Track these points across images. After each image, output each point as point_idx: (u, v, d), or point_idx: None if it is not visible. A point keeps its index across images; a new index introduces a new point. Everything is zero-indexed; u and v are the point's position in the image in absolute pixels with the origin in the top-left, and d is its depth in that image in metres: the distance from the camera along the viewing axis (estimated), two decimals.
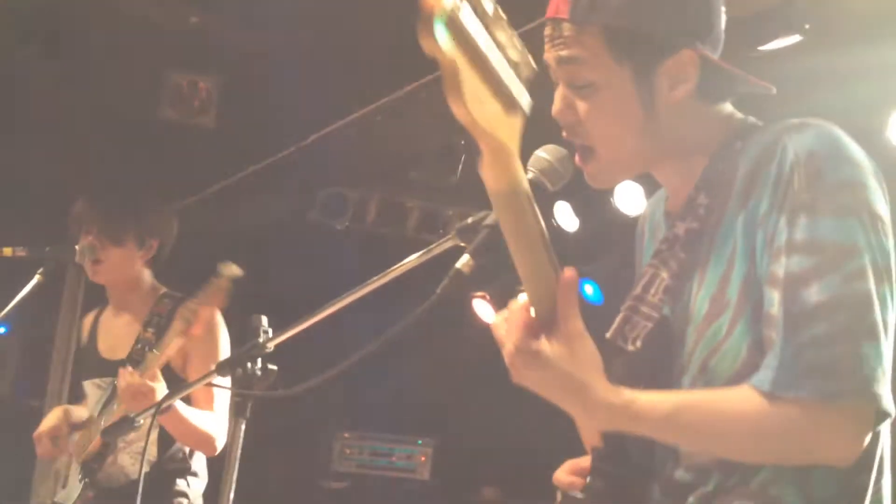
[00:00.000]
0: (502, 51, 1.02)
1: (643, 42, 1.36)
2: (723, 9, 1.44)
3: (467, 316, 5.87)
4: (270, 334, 1.84)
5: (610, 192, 4.40)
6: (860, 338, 1.21)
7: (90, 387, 3.03)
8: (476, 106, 1.01)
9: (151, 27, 4.11)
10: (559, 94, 1.43)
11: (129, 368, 2.65)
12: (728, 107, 1.45)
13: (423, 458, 6.28)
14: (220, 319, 2.97)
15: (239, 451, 1.83)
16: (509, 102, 1.05)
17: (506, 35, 1.04)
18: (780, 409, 1.21)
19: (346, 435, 6.33)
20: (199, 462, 2.96)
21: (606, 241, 4.79)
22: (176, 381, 2.86)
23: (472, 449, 6.12)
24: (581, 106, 1.40)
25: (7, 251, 2.80)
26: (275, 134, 4.84)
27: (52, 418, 2.99)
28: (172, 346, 2.67)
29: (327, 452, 6.33)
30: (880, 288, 1.24)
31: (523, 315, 1.25)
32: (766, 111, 1.46)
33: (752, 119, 1.44)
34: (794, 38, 3.29)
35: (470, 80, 0.99)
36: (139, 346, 2.94)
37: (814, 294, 1.21)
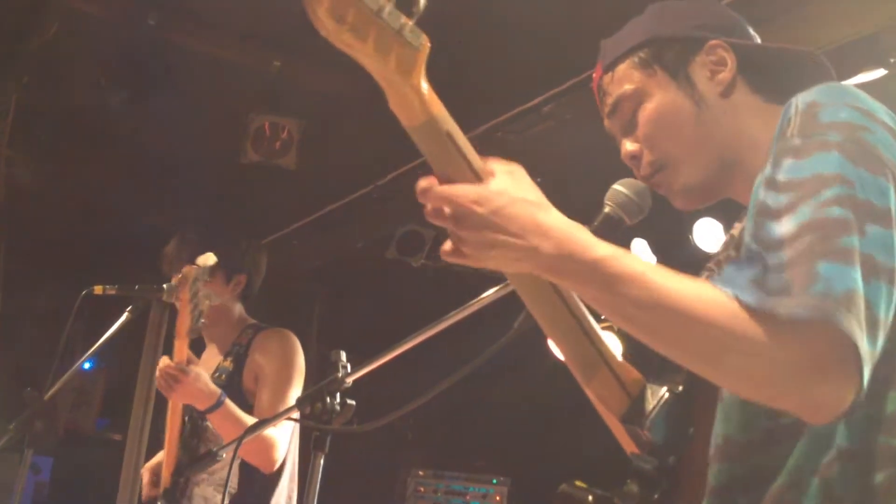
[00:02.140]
0: None
1: (666, 47, 1.43)
2: (746, 25, 1.49)
3: (543, 352, 5.84)
4: (349, 369, 1.87)
5: (688, 228, 4.35)
6: (819, 256, 1.05)
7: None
8: (344, 29, 1.01)
9: (235, 71, 4.24)
10: (622, 143, 1.46)
11: (165, 357, 2.64)
12: None
13: (497, 498, 6.22)
14: (294, 346, 3.00)
15: (318, 486, 1.85)
16: (394, 34, 1.03)
17: None
18: (729, 304, 1.06)
19: (421, 473, 6.32)
20: (280, 495, 2.99)
21: None
22: (244, 404, 2.89)
23: (547, 488, 6.04)
24: (638, 129, 1.44)
25: (98, 289, 2.89)
26: (353, 173, 4.93)
27: (159, 456, 3.03)
28: (192, 310, 2.62)
29: (402, 490, 6.32)
30: (863, 222, 1.08)
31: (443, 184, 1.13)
32: None
33: None
34: (880, 72, 3.23)
35: (333, 3, 1.00)
36: (216, 373, 3.00)
37: (782, 225, 1.09)
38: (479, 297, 1.73)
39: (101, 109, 4.36)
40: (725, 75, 1.41)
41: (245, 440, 2.65)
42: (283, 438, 2.82)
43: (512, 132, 3.99)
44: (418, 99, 1.09)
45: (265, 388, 2.91)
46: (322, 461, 1.86)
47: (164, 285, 2.98)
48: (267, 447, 2.78)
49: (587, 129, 3.77)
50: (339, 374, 1.84)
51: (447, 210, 1.13)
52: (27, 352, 5.61)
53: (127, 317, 2.92)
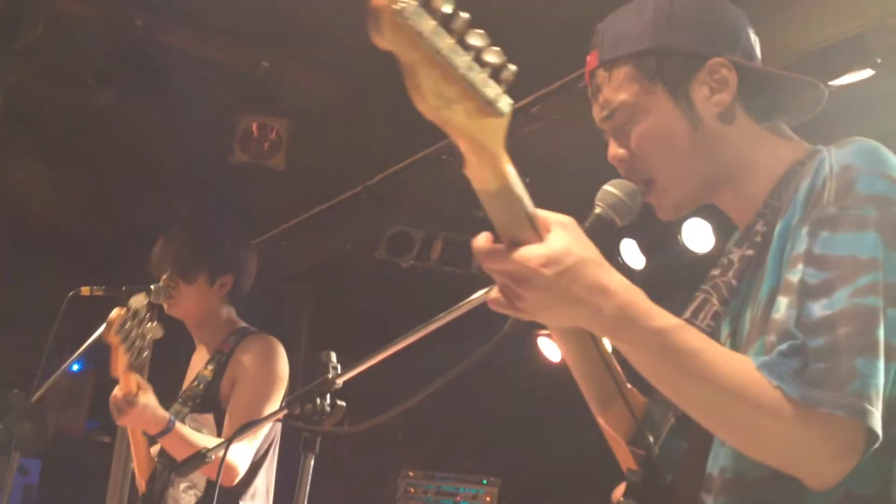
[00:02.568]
0: (470, 52, 1.00)
1: (669, 60, 1.40)
2: (751, 30, 1.47)
3: (533, 353, 5.84)
4: (339, 370, 1.86)
5: (677, 229, 4.36)
6: (857, 352, 1.14)
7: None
8: (441, 103, 0.99)
9: (223, 71, 4.23)
10: (610, 142, 1.46)
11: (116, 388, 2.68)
12: (792, 135, 1.45)
13: (487, 498, 6.23)
14: (276, 352, 2.98)
15: (308, 487, 1.85)
16: (484, 102, 1.02)
17: (478, 38, 1.01)
18: (772, 392, 1.14)
19: (411, 473, 6.32)
20: (258, 489, 2.97)
21: (674, 279, 4.74)
22: (222, 412, 2.89)
23: (537, 489, 6.05)
24: (630, 141, 1.43)
25: (85, 290, 2.89)
26: (342, 174, 4.92)
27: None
28: (128, 349, 2.64)
29: (392, 491, 6.32)
30: (887, 307, 1.16)
31: (498, 246, 1.12)
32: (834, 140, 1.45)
33: (819, 147, 1.41)
34: (867, 73, 3.24)
35: (431, 77, 0.97)
36: (195, 382, 2.99)
37: (819, 308, 1.16)
38: (469, 299, 1.73)
39: (89, 109, 4.34)
40: (725, 97, 1.40)
41: (206, 462, 2.68)
42: (243, 460, 2.81)
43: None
44: (498, 167, 1.07)
45: (240, 391, 2.90)
46: (312, 462, 1.86)
47: (152, 286, 2.97)
48: (225, 469, 2.76)
49: (577, 130, 3.78)
50: (329, 375, 1.84)
51: (510, 269, 1.12)
52: (14, 353, 5.58)
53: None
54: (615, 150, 1.46)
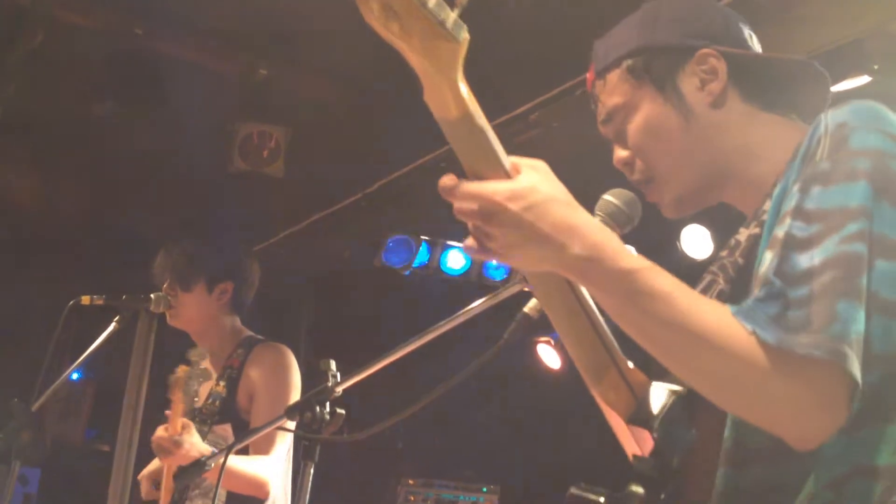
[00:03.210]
0: None
1: (655, 57, 1.41)
2: (744, 26, 1.47)
3: (532, 361, 5.84)
4: (339, 378, 1.87)
5: (676, 235, 4.36)
6: (839, 295, 1.09)
7: None
8: (389, 16, 0.99)
9: (222, 80, 4.24)
10: (614, 148, 1.47)
11: (163, 425, 2.73)
12: (800, 121, 1.42)
13: None
14: (288, 361, 2.99)
15: (308, 495, 1.85)
16: (436, 23, 1.01)
17: None
18: (747, 338, 1.09)
19: (411, 481, 6.31)
20: (277, 498, 2.97)
21: None
22: (241, 422, 2.90)
23: (537, 496, 6.04)
24: (628, 140, 1.43)
25: (85, 299, 2.89)
26: (341, 181, 4.93)
27: (156, 462, 3.04)
28: (185, 401, 2.74)
29: (392, 499, 6.31)
30: (874, 257, 1.12)
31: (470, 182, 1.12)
32: None
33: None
34: (864, 80, 3.24)
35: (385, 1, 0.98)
36: (210, 399, 2.99)
37: (806, 259, 1.12)
38: (468, 307, 1.73)
39: (89, 119, 4.35)
40: (716, 85, 1.40)
41: (235, 485, 2.77)
42: (275, 472, 2.84)
43: (499, 139, 3.99)
44: (455, 93, 1.07)
45: (259, 406, 2.91)
46: (312, 470, 1.86)
47: (152, 295, 2.97)
48: (258, 486, 2.81)
49: (575, 137, 3.78)
50: (329, 384, 1.84)
51: (476, 207, 1.11)
52: (14, 361, 5.58)
53: (115, 327, 2.92)
54: (619, 154, 1.46)
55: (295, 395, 2.96)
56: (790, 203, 1.18)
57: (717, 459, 1.30)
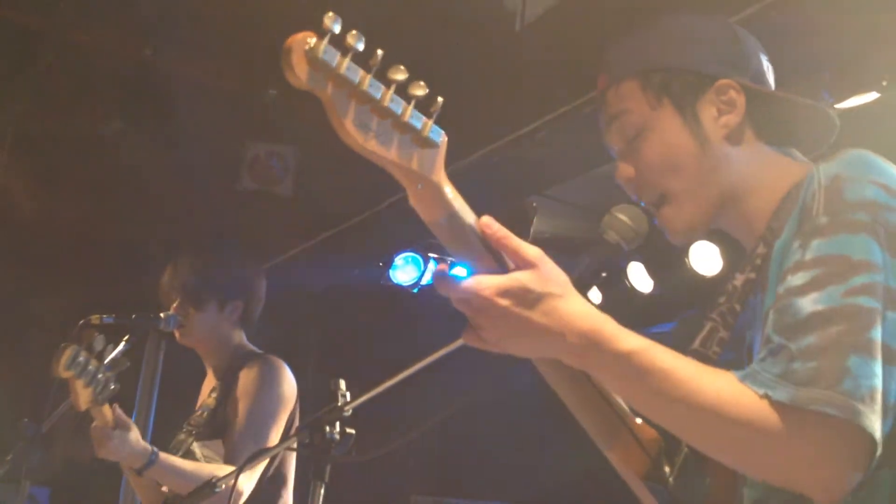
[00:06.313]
0: (391, 85, 1.00)
1: (676, 78, 1.39)
2: (764, 57, 1.46)
3: (541, 377, 5.82)
4: (348, 398, 1.86)
5: (685, 252, 4.35)
6: (849, 350, 1.08)
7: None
8: (367, 136, 1.00)
9: (231, 99, 4.26)
10: (618, 163, 1.45)
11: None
12: (803, 158, 1.43)
13: None
14: (276, 373, 2.94)
15: None
16: (415, 134, 1.03)
17: (400, 73, 1.01)
18: (759, 403, 1.09)
19: (421, 498, 6.29)
20: None
21: (682, 302, 4.73)
22: (226, 432, 2.87)
23: None
24: (639, 159, 1.42)
25: (95, 319, 2.89)
26: (349, 200, 4.93)
27: None
28: (99, 402, 2.63)
29: None
30: (885, 310, 1.11)
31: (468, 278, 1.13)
32: None
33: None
34: (872, 96, 3.24)
35: (356, 112, 0.99)
36: (199, 412, 2.99)
37: (809, 304, 1.11)
38: None
39: (98, 138, 4.37)
40: (733, 118, 1.39)
41: (182, 487, 2.65)
42: (248, 485, 2.75)
43: (506, 157, 4.01)
44: (439, 196, 1.09)
45: (239, 416, 2.88)
46: (322, 491, 1.85)
47: (161, 314, 2.97)
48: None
49: (581, 156, 3.78)
50: (339, 403, 1.84)
51: (468, 300, 1.13)
52: (23, 381, 5.59)
53: (124, 346, 2.91)
54: (624, 171, 1.45)
55: (281, 407, 2.92)
56: (791, 260, 1.18)
57: (734, 502, 1.30)
